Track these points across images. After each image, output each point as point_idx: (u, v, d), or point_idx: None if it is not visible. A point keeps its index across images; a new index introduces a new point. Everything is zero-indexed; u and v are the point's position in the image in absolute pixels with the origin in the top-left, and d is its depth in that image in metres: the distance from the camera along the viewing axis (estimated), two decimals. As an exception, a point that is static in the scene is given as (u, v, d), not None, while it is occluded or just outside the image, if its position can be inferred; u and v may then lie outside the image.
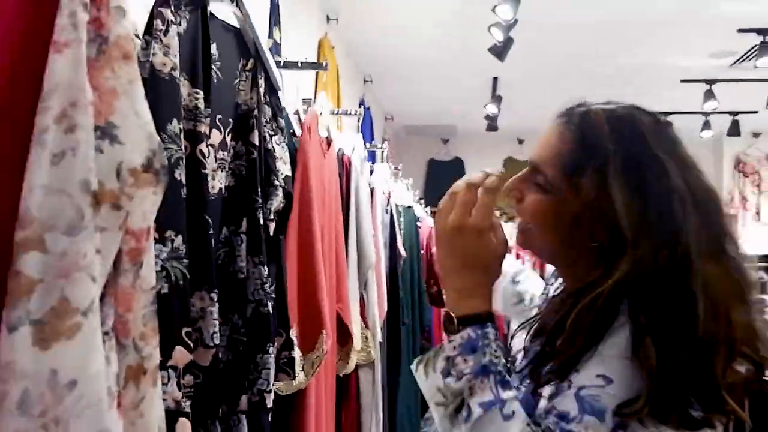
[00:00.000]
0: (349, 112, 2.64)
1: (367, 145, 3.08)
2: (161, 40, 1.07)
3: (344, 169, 2.38)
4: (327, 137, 2.12)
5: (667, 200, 0.84)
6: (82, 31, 0.69)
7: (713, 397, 0.78)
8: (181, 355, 1.00)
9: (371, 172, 2.96)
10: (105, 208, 0.69)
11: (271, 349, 1.37)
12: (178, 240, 1.05)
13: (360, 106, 5.27)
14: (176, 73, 1.08)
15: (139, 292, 0.76)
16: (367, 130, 4.99)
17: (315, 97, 3.03)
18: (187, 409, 1.03)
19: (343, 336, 2.12)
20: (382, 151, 3.81)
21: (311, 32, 3.81)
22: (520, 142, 8.00)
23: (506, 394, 0.82)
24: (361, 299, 2.38)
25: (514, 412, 0.81)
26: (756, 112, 6.15)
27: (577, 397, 0.78)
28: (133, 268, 0.75)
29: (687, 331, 0.78)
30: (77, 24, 0.69)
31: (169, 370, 1.00)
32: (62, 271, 0.63)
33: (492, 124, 5.96)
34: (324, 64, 1.98)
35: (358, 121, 4.08)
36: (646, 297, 0.81)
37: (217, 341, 1.16)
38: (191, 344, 1.04)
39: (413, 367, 0.89)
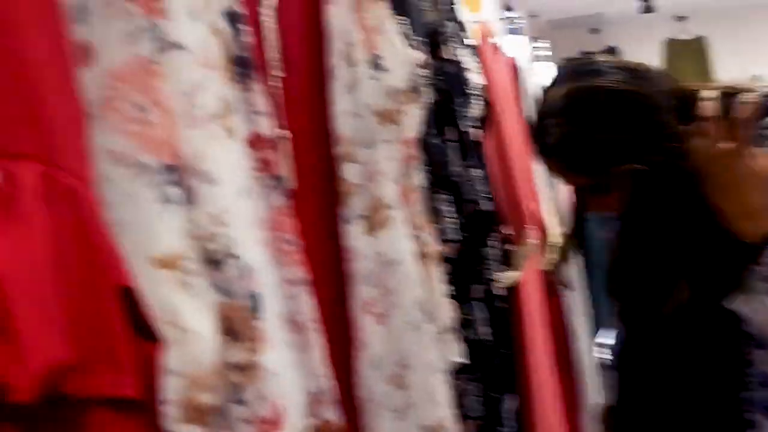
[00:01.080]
0: (511, 18, 2.68)
1: (531, 46, 3.10)
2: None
3: (513, 72, 2.45)
4: (496, 44, 2.20)
5: None
6: (345, -18, 0.84)
7: None
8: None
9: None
10: (387, 124, 0.85)
11: (491, 243, 1.53)
12: (415, 150, 1.21)
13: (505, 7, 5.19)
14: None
15: (414, 190, 0.93)
16: (515, 31, 4.92)
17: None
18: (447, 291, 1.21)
19: (540, 232, 2.23)
20: (538, 52, 3.79)
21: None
22: (680, 19, 7.47)
23: None
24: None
25: None
26: None
27: None
28: (408, 170, 0.91)
29: None
30: (341, -23, 0.84)
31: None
32: (370, 176, 0.81)
33: (647, 4, 5.62)
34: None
35: (513, 24, 4.07)
36: None
37: (454, 236, 1.33)
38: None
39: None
